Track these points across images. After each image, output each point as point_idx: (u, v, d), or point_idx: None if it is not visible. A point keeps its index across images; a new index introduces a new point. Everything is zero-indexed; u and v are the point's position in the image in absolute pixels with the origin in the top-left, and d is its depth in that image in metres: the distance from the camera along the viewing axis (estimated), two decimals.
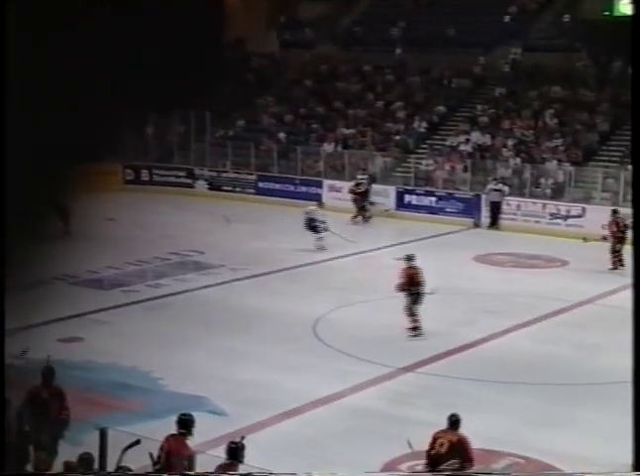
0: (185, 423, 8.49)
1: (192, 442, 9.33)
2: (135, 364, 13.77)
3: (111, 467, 7.63)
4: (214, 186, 30.70)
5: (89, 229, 23.33)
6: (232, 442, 8.19)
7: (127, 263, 20.46)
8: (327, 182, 28.95)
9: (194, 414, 11.33)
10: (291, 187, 29.50)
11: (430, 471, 9.09)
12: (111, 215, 22.72)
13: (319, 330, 15.54)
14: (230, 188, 30.42)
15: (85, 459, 7.66)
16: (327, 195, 28.65)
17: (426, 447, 9.11)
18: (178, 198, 29.16)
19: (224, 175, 30.75)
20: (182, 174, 31.45)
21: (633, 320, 3.96)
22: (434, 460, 9.23)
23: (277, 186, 29.65)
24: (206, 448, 9.79)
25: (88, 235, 22.62)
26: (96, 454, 8.13)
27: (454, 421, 9.20)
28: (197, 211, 27.20)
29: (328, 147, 30.14)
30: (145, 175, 31.56)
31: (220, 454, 8.86)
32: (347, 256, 21.47)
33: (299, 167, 29.95)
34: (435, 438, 9.25)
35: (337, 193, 28.55)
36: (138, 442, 7.88)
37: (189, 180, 31.21)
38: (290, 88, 34.09)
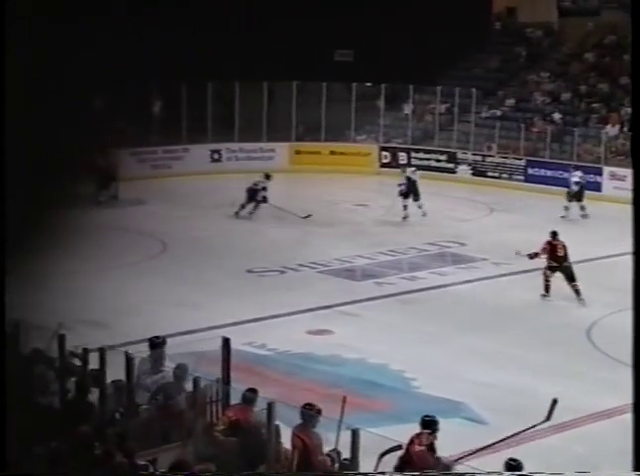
0: (428, 424, 8.91)
1: (446, 451, 9.40)
2: (385, 362, 13.98)
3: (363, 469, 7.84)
4: (478, 172, 30.52)
5: (338, 214, 23.97)
6: (511, 459, 8.16)
7: (379, 253, 20.79)
8: (608, 170, 28.01)
9: (450, 420, 11.46)
10: (565, 175, 28.68)
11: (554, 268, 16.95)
12: (363, 200, 23.20)
13: (594, 335, 15.10)
14: (496, 175, 30.12)
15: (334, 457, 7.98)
16: (607, 184, 27.75)
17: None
18: (438, 184, 29.21)
19: (489, 159, 30.49)
20: (443, 157, 31.50)
21: (633, 320, 4.20)
22: (559, 260, 17.21)
23: (549, 173, 29.01)
24: (464, 459, 9.78)
25: (337, 221, 23.26)
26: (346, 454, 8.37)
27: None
28: (459, 199, 27.19)
29: (611, 129, 29.14)
30: (402, 157, 31.91)
31: (477, 465, 8.84)
32: (630, 253, 20.66)
33: (575, 151, 29.18)
34: (554, 245, 17.18)
35: (620, 182, 27.53)
36: (399, 448, 8.05)
37: (451, 165, 31.22)
38: (568, 63, 33.24)
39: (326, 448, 8.68)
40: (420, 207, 24.04)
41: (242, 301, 16.60)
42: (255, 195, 23.94)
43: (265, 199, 23.87)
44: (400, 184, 24.28)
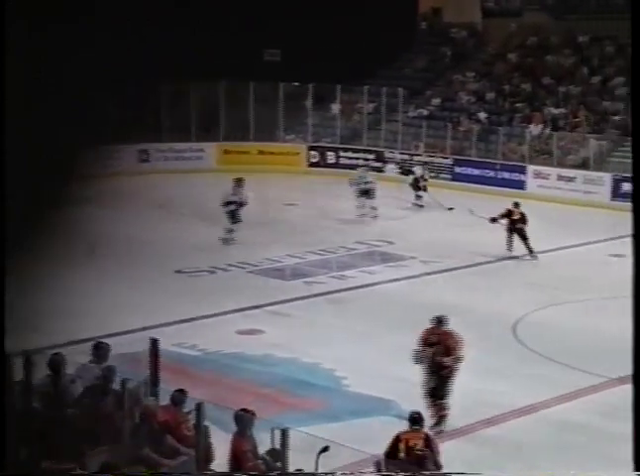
0: (415, 420, 9.32)
1: (378, 449, 9.41)
2: (317, 361, 13.96)
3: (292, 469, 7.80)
4: (406, 171, 30.68)
5: (268, 214, 23.88)
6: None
7: (309, 252, 20.78)
8: (532, 168, 28.41)
9: (380, 418, 11.51)
10: (491, 173, 29.13)
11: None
12: (292, 200, 23.15)
13: (520, 332, 15.26)
14: None
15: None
16: (531, 183, 28.12)
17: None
18: None
19: (417, 158, 30.67)
20: (371, 156, 31.64)
21: (633, 321, 4.38)
22: (514, 223, 20.70)
23: (476, 172, 29.36)
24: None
25: (267, 221, 23.17)
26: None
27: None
28: (387, 198, 27.25)
29: (534, 128, 29.54)
30: (330, 157, 31.99)
31: None
32: (553, 250, 20.99)
33: (501, 150, 29.52)
34: (512, 212, 20.30)
35: (543, 180, 27.96)
36: (326, 449, 8.03)
37: (379, 164, 31.36)
38: (493, 63, 33.64)
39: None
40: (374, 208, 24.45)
41: (171, 302, 16.45)
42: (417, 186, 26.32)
43: (425, 188, 26.24)
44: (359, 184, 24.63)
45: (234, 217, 21.47)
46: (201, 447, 8.22)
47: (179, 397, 9.13)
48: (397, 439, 9.31)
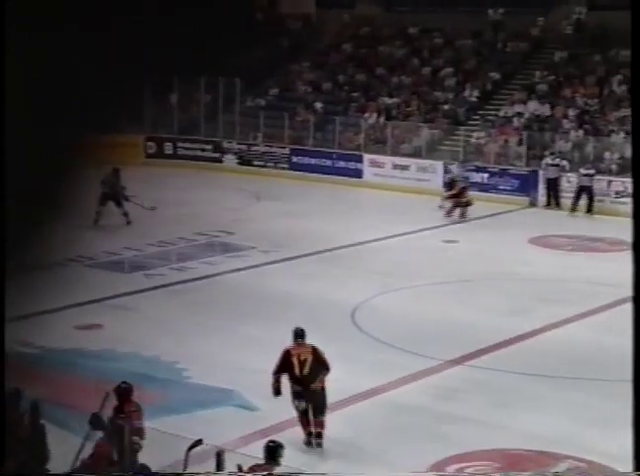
0: (299, 334, 10.98)
1: (220, 439, 9.43)
2: (157, 353, 13.86)
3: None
4: (244, 161, 30.75)
5: (105, 207, 23.46)
6: (270, 441, 8.28)
7: (149, 244, 20.57)
8: (368, 157, 28.88)
9: (222, 408, 11.52)
10: (328, 162, 29.46)
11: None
12: (131, 192, 22.80)
13: (358, 318, 15.55)
14: (261, 163, 30.45)
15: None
16: (367, 171, 28.61)
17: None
18: (205, 174, 29.27)
19: (255, 148, 30.78)
20: (209, 147, 31.53)
21: (633, 322, 4.14)
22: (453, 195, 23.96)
23: (313, 161, 29.63)
24: (236, 446, 9.86)
25: (104, 213, 22.76)
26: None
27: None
28: (226, 188, 27.28)
29: (369, 118, 30.04)
30: (168, 148, 31.71)
31: (250, 453, 8.93)
32: (389, 237, 21.43)
33: (337, 139, 29.89)
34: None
35: (378, 169, 28.48)
36: (200, 442, 8.03)
37: (217, 154, 31.29)
38: (328, 53, 34.01)
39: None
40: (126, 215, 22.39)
41: (4, 298, 15.96)
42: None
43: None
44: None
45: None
46: (36, 447, 8.05)
47: (14, 396, 8.89)
48: (288, 354, 10.70)
